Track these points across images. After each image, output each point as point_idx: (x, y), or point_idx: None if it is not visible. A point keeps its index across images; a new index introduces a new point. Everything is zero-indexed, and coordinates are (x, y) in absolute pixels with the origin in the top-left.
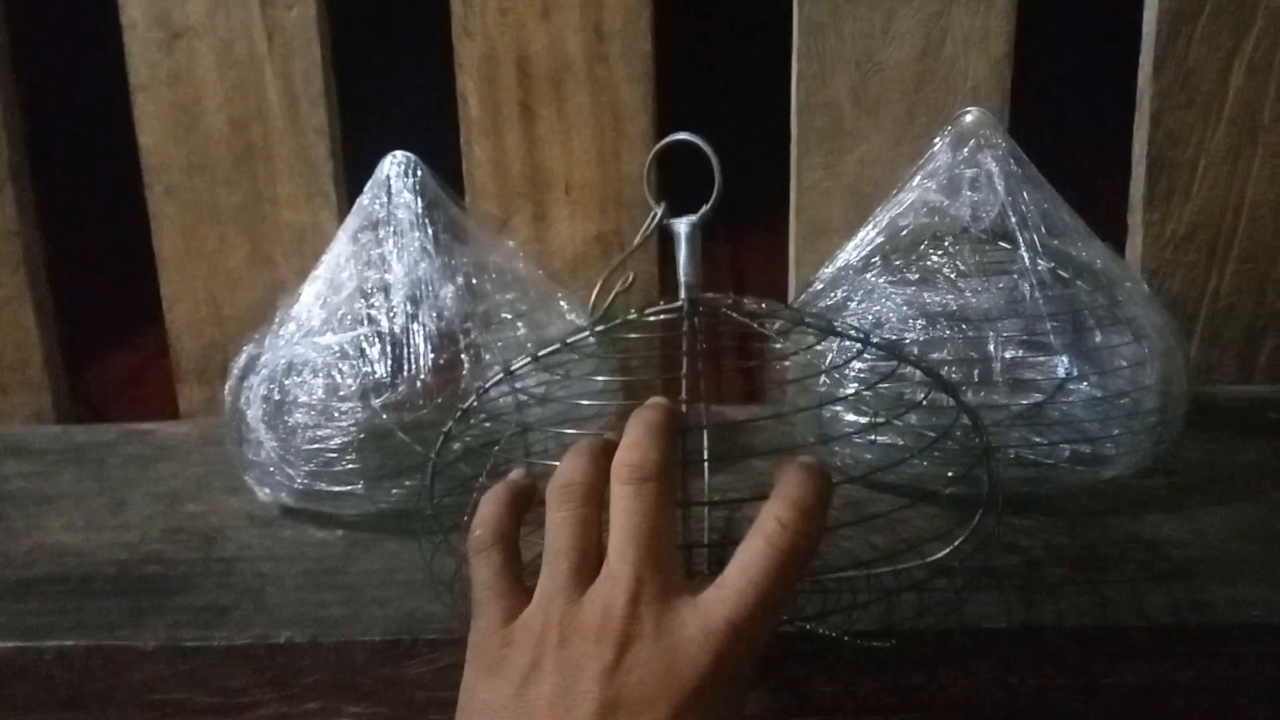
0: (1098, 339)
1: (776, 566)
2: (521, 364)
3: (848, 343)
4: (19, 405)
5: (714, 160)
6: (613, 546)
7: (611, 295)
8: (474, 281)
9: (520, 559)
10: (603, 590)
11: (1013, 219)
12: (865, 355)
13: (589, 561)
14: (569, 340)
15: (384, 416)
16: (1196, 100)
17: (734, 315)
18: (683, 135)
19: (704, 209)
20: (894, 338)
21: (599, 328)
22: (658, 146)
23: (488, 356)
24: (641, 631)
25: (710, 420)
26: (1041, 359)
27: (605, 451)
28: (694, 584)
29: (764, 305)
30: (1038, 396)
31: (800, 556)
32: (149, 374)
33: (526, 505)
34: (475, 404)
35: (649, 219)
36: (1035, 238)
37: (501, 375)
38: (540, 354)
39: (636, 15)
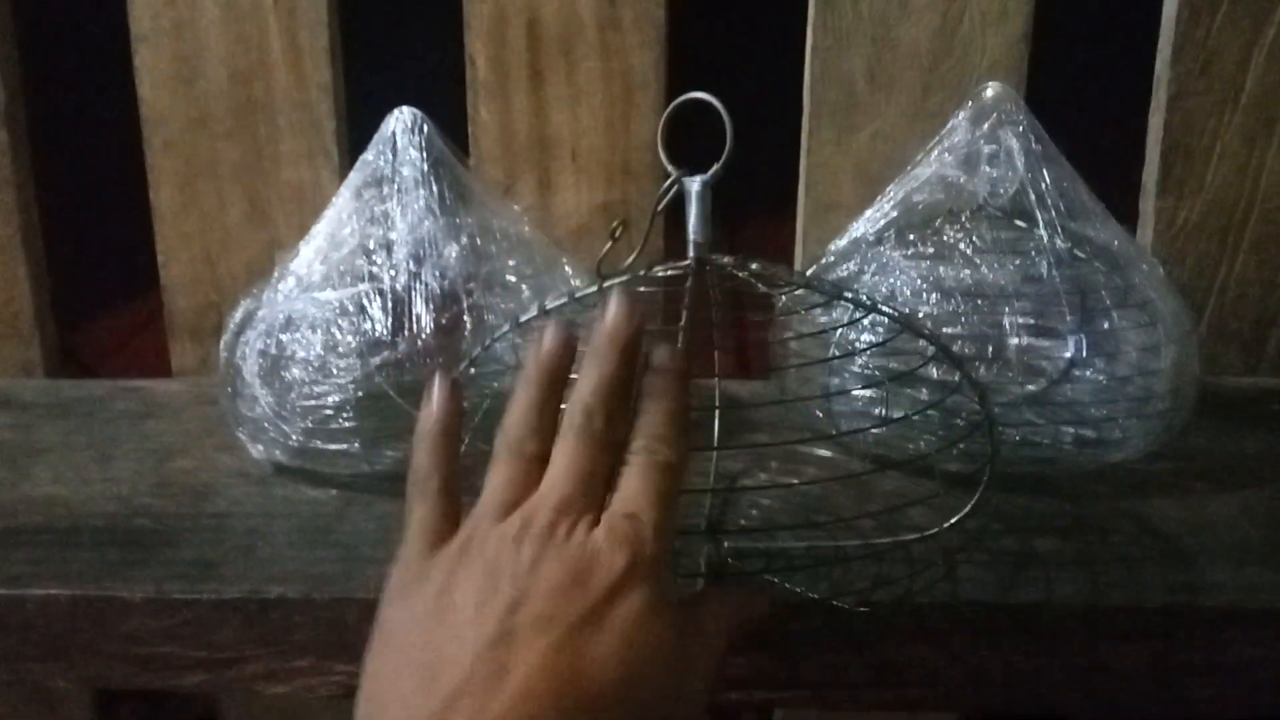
0: (1113, 321)
1: (660, 468)
2: (530, 315)
3: (858, 314)
4: (7, 358)
5: (727, 120)
6: (547, 478)
7: (607, 246)
8: (478, 243)
9: (458, 498)
10: (525, 509)
11: (1031, 197)
12: (874, 327)
13: (520, 502)
14: (577, 294)
15: (379, 378)
16: (1215, 87)
17: (742, 274)
18: (697, 94)
19: (715, 167)
20: (905, 309)
21: (608, 282)
22: (673, 105)
23: (490, 318)
24: (556, 535)
25: (710, 390)
26: (1054, 340)
27: (547, 402)
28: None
29: (774, 268)
30: (1046, 379)
31: (681, 465)
32: (142, 334)
33: (459, 435)
34: (478, 359)
35: (667, 183)
36: (1053, 216)
37: (508, 328)
38: (549, 305)
39: None
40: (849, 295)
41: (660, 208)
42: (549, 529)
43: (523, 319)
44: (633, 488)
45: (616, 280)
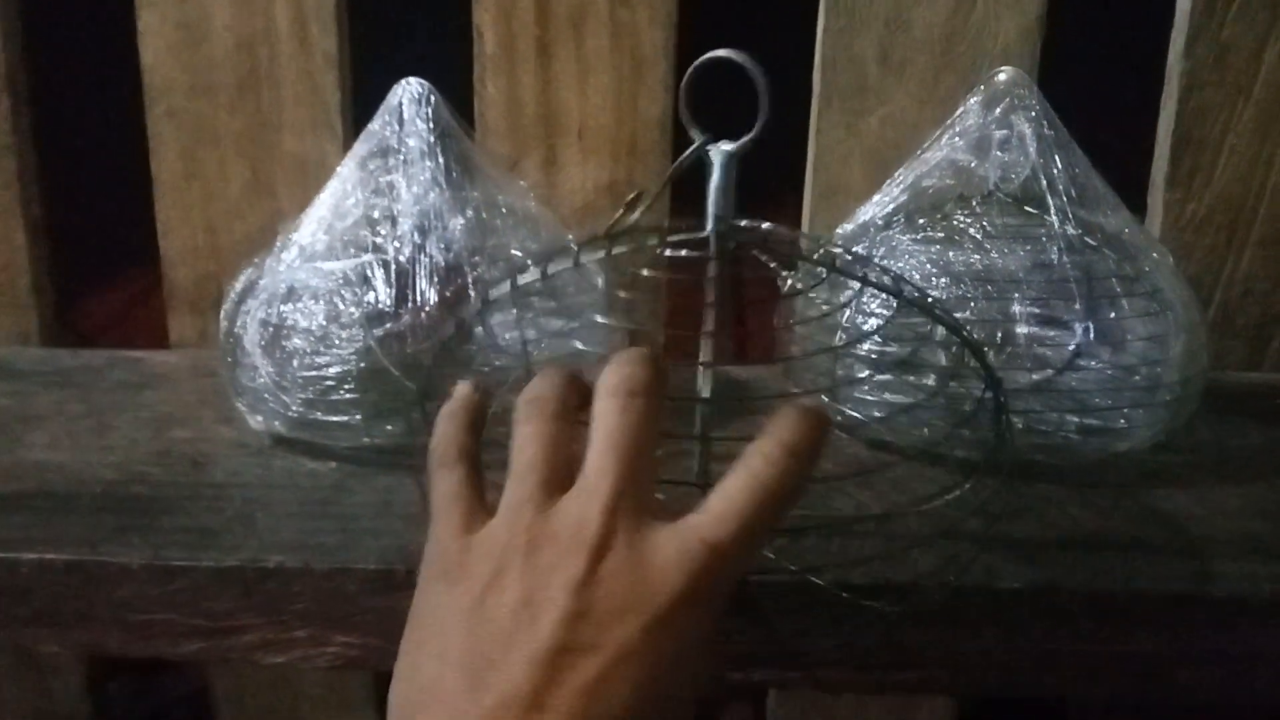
0: (1121, 309)
1: (760, 498)
2: (530, 278)
3: (870, 294)
4: (4, 326)
5: (761, 84)
6: (591, 458)
7: (619, 213)
8: (484, 217)
9: (483, 475)
10: (577, 501)
11: (1043, 183)
12: (887, 308)
13: (558, 476)
14: (581, 258)
15: (379, 350)
16: (1227, 79)
17: (765, 254)
18: (724, 52)
19: (745, 138)
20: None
21: (616, 247)
22: (697, 63)
23: (493, 292)
24: (615, 545)
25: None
26: (1062, 329)
27: (578, 375)
28: (673, 507)
29: (800, 240)
30: (1052, 369)
31: (784, 494)
32: (141, 306)
33: (483, 420)
34: (467, 327)
35: (691, 149)
36: (1064, 203)
37: (507, 286)
38: (550, 270)
39: None
40: (875, 279)
41: (675, 173)
42: (605, 536)
43: (521, 280)
44: (723, 499)
45: (624, 247)
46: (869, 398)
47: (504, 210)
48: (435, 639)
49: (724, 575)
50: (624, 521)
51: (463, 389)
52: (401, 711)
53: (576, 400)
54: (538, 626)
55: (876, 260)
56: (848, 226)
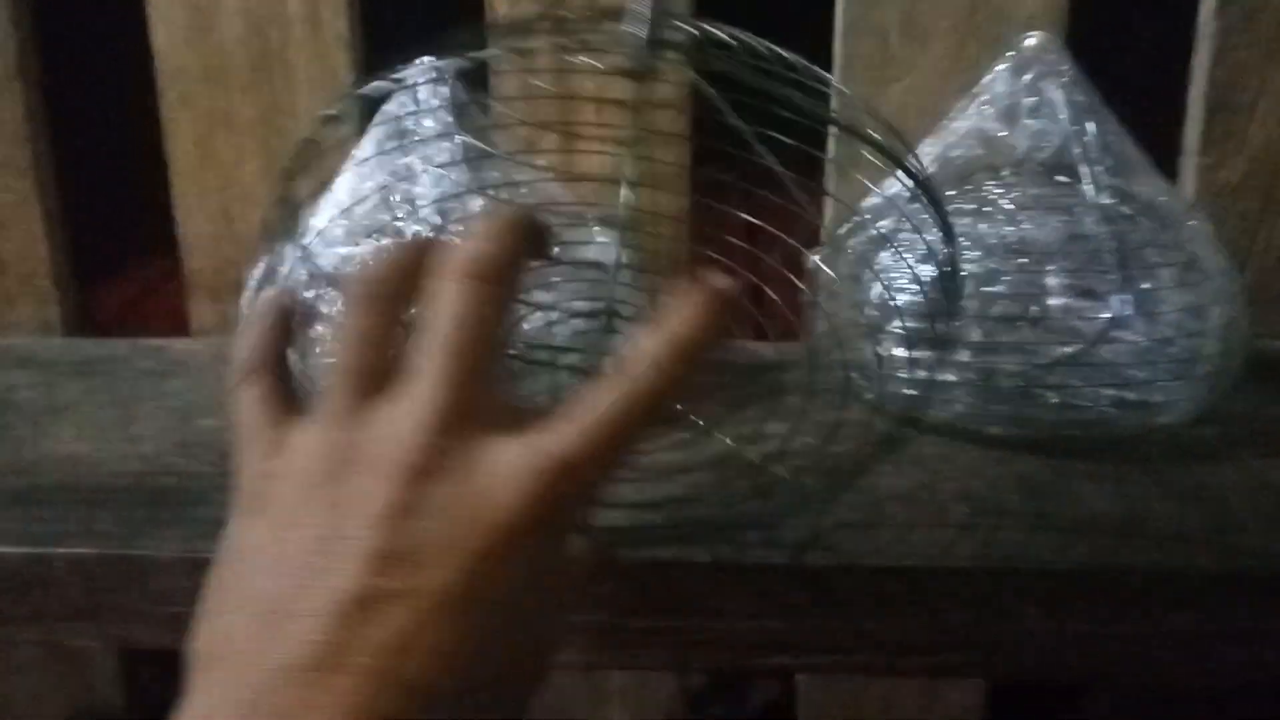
0: (1158, 279)
1: (632, 407)
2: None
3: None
4: (26, 316)
5: None
6: (415, 359)
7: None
8: (503, 197)
9: (296, 388)
10: (394, 412)
11: (1076, 151)
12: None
13: (379, 381)
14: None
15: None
16: (1260, 40)
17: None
18: None
19: None
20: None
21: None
22: None
23: None
24: (437, 465)
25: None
26: (1097, 300)
27: (422, 252)
28: (521, 415)
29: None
30: (1085, 340)
31: (663, 398)
32: (158, 292)
33: (291, 325)
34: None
35: None
36: (1098, 171)
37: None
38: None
39: None
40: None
41: None
42: (426, 455)
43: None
44: (588, 407)
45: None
46: (900, 374)
47: (524, 191)
48: (236, 582)
49: (576, 496)
50: (451, 436)
51: (269, 294)
52: (197, 661)
53: (415, 284)
54: (336, 570)
55: (905, 233)
56: (872, 200)
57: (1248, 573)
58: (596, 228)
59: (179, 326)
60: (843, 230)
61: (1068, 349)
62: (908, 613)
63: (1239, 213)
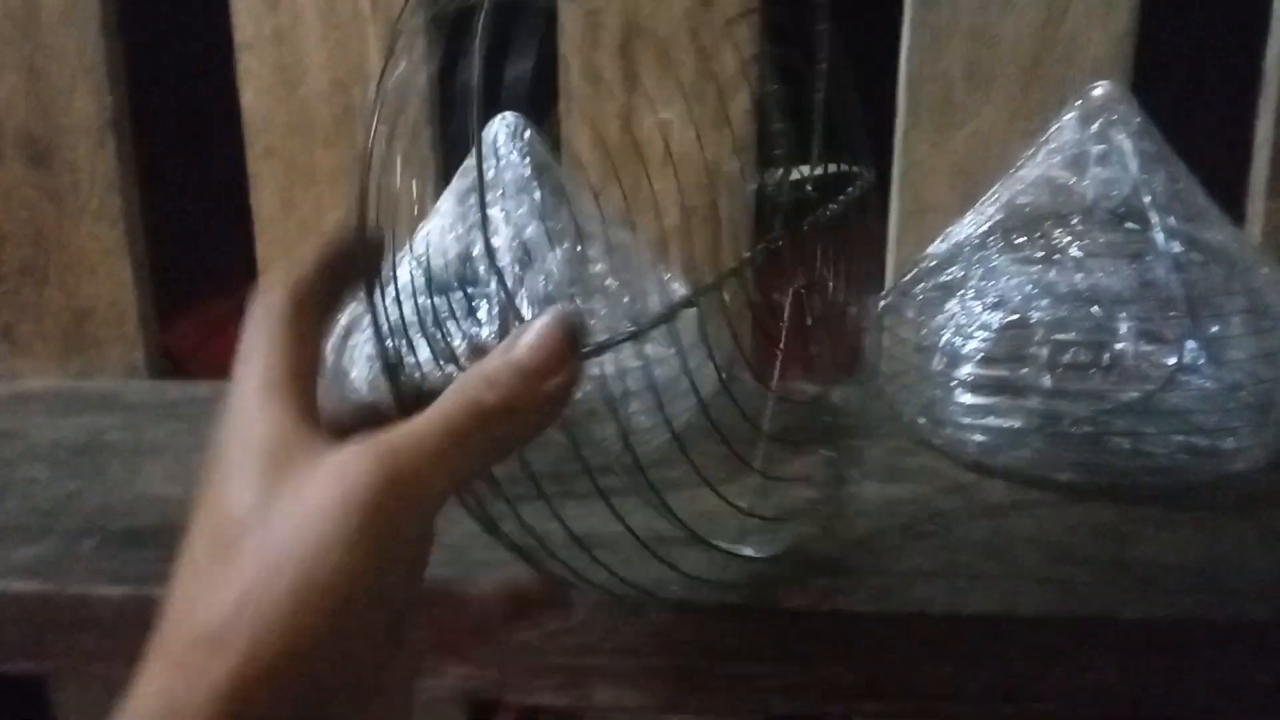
0: (1229, 325)
1: (466, 415)
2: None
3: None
4: (113, 359)
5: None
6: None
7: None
8: (579, 248)
9: (314, 346)
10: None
11: (1145, 198)
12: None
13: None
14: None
15: None
16: None
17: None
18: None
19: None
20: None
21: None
22: None
23: (592, 323)
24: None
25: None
26: (1166, 346)
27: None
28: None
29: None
30: (1153, 385)
31: (503, 420)
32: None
33: (344, 272)
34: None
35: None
36: (1169, 218)
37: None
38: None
39: None
40: None
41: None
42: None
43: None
44: (425, 417)
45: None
46: (968, 420)
47: (597, 240)
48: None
49: (414, 511)
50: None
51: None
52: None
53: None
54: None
55: (975, 281)
56: (939, 246)
57: None
58: (665, 274)
59: None
60: (908, 276)
61: (1135, 394)
62: (980, 661)
63: None
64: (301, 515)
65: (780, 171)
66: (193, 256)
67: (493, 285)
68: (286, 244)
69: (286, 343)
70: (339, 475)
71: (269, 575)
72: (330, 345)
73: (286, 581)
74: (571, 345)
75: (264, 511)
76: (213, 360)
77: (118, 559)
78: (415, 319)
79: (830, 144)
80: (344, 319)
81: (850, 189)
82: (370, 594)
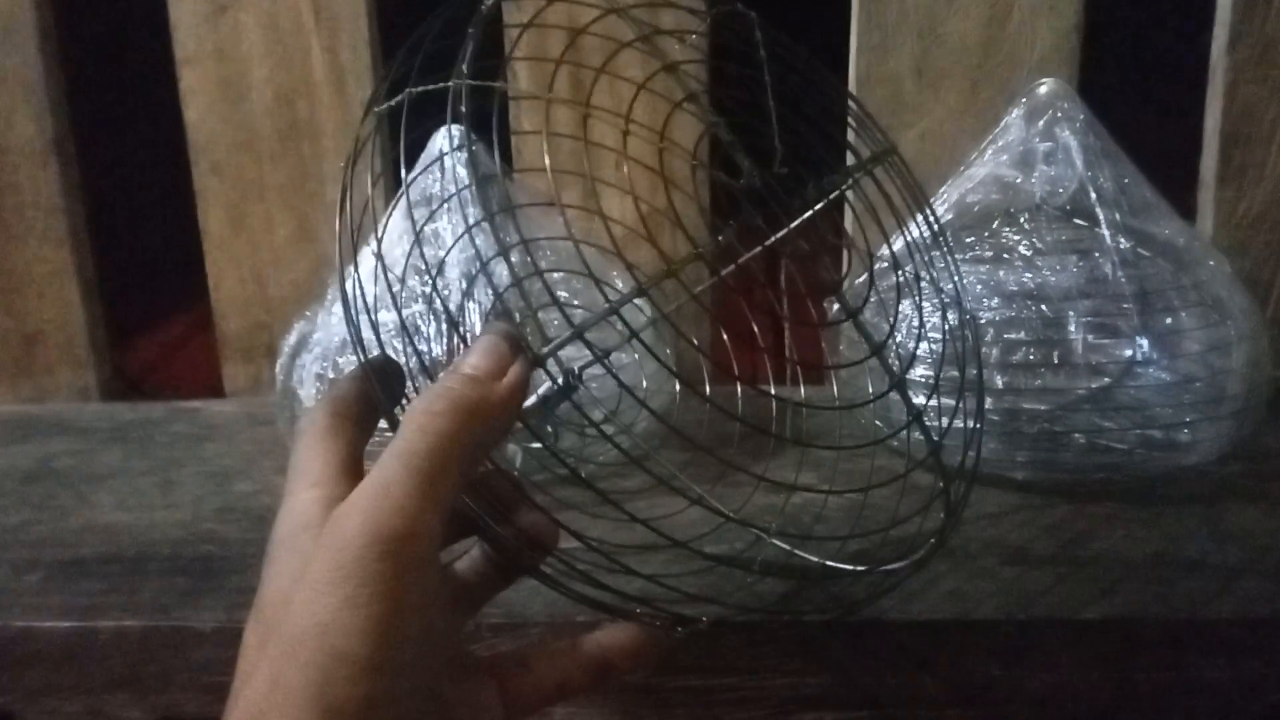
0: (1179, 319)
1: (419, 466)
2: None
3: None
4: (64, 382)
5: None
6: None
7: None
8: (528, 259)
9: (356, 446)
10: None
11: (1092, 195)
12: (935, 333)
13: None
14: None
15: None
16: (1273, 75)
17: None
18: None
19: None
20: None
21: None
22: None
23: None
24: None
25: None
26: (1119, 340)
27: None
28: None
29: None
30: (1108, 380)
31: (457, 446)
32: (189, 351)
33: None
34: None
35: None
36: (1116, 215)
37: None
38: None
39: None
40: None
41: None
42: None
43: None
44: (380, 471)
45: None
46: (926, 421)
47: (547, 251)
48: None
49: (405, 553)
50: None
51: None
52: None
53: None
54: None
55: (925, 281)
56: (892, 245)
57: None
58: (620, 281)
59: (211, 379)
60: (861, 278)
61: (1091, 385)
62: (937, 666)
63: (1261, 243)
64: (311, 589)
65: (744, 176)
66: (147, 276)
67: (439, 301)
68: (236, 261)
69: (326, 448)
70: (331, 545)
71: (293, 648)
72: (280, 365)
73: (307, 653)
74: (513, 348)
75: (291, 593)
76: (171, 379)
77: (64, 591)
78: (367, 335)
79: (793, 145)
80: (293, 338)
81: (809, 189)
82: (391, 638)
